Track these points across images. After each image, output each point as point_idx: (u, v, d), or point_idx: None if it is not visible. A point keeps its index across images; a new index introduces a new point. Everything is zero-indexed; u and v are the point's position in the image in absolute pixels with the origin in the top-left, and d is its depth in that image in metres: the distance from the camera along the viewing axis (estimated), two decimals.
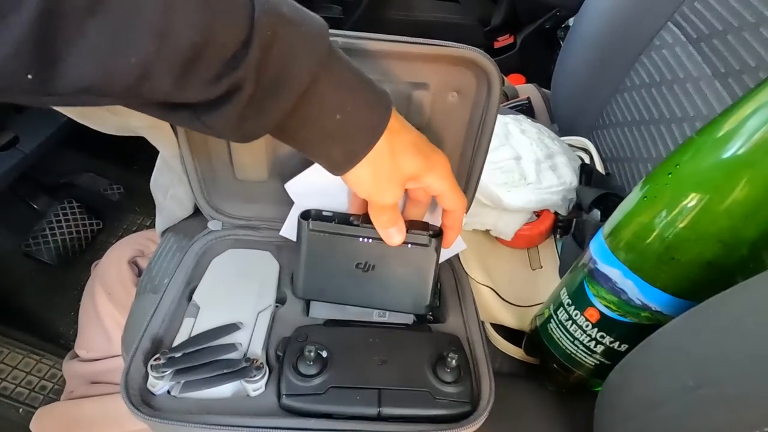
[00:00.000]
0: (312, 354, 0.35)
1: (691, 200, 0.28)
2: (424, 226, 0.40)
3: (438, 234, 0.40)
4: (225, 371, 0.34)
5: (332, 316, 0.42)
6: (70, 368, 0.76)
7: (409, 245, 0.40)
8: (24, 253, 0.87)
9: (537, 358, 0.44)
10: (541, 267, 0.51)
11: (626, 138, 0.55)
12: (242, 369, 0.34)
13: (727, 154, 0.27)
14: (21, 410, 0.76)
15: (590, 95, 0.61)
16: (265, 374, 0.35)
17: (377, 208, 0.34)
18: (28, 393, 0.78)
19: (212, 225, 0.47)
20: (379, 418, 0.34)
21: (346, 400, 0.34)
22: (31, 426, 0.72)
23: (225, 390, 0.34)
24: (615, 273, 0.32)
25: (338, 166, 0.30)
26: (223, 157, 0.43)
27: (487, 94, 0.39)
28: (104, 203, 0.99)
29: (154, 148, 0.48)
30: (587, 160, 0.59)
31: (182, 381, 0.33)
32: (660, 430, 0.26)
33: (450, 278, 0.47)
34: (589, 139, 0.62)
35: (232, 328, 0.37)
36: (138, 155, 1.00)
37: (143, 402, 0.33)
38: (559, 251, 0.51)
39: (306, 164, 0.44)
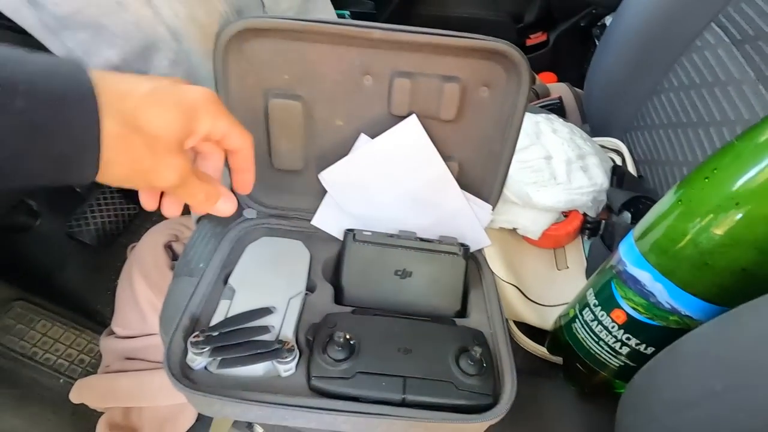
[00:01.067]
0: (341, 340, 0.36)
1: (728, 206, 0.28)
2: (454, 239, 0.45)
3: (467, 246, 0.45)
4: (259, 351, 0.35)
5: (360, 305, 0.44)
6: (107, 344, 0.80)
7: (442, 254, 0.45)
8: (67, 234, 0.92)
9: (560, 358, 0.44)
10: (568, 267, 0.51)
11: (661, 141, 0.54)
12: (275, 350, 0.36)
13: (767, 161, 0.27)
14: (62, 380, 0.81)
15: (625, 96, 0.60)
16: (295, 357, 0.36)
17: (173, 193, 0.27)
18: (68, 365, 0.83)
19: (247, 213, 0.49)
20: (404, 404, 0.35)
21: (373, 385, 0.35)
22: (71, 395, 0.76)
23: (258, 369, 0.36)
24: (645, 276, 0.33)
25: (78, 177, 0.23)
26: (262, 145, 0.45)
27: (517, 88, 0.39)
28: None
29: None
30: (619, 162, 0.59)
31: (219, 358, 0.35)
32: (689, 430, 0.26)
33: (475, 274, 0.48)
34: (622, 141, 0.61)
35: (266, 311, 0.39)
36: None
37: (183, 375, 0.35)
38: (587, 253, 0.51)
39: (340, 155, 0.46)
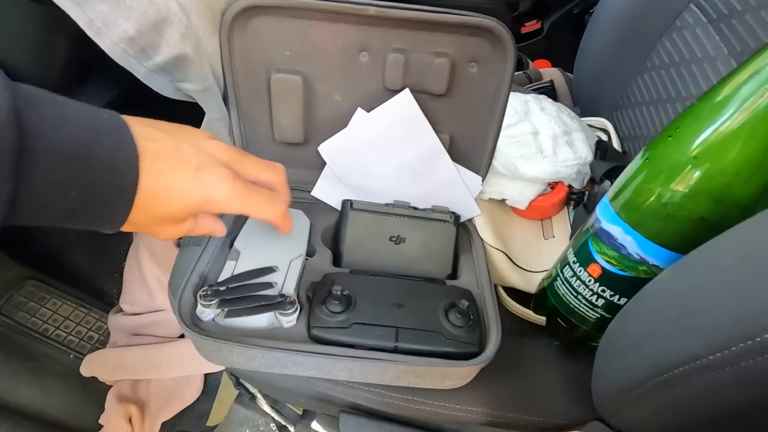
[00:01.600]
0: (339, 293, 0.39)
1: (688, 160, 0.30)
2: (445, 208, 0.49)
3: (457, 214, 0.49)
4: (263, 303, 0.38)
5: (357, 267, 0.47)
6: (115, 321, 0.83)
7: (434, 221, 0.48)
8: None
9: (543, 317, 0.47)
10: (554, 237, 0.54)
11: (644, 117, 0.57)
12: (278, 303, 0.39)
13: (722, 119, 0.29)
14: (72, 356, 0.84)
15: (612, 75, 0.63)
16: (296, 309, 0.39)
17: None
18: (77, 341, 0.87)
19: None
20: (396, 350, 0.38)
21: (367, 334, 0.38)
22: (81, 369, 0.80)
23: (262, 320, 0.39)
24: (616, 230, 0.35)
25: (106, 227, 0.26)
26: (264, 119, 0.48)
27: (503, 63, 0.42)
28: None
29: (195, 122, 0.53)
30: (605, 139, 0.61)
31: (226, 309, 0.38)
32: (647, 362, 0.29)
33: (465, 241, 0.51)
34: (609, 120, 0.64)
35: (269, 270, 0.42)
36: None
37: (194, 324, 0.38)
38: (572, 222, 0.54)
39: (338, 129, 0.48)
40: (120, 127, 0.25)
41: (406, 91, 0.46)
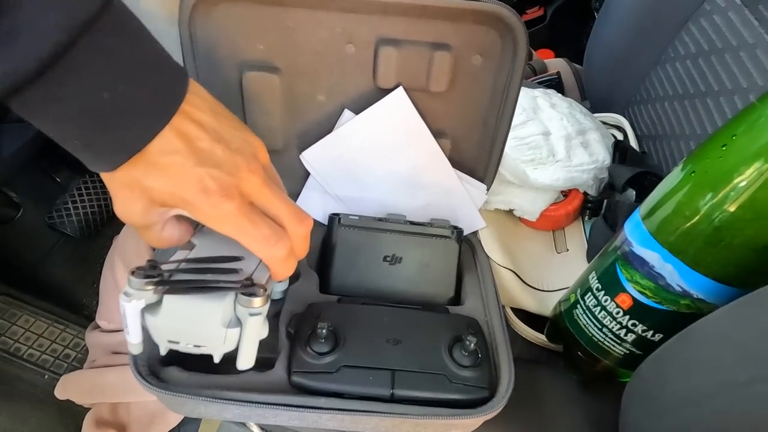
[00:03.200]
0: (324, 331, 0.33)
1: (750, 174, 0.25)
2: (446, 222, 0.42)
3: (460, 229, 0.42)
4: (219, 284, 0.27)
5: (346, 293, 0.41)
6: (93, 338, 0.77)
7: (433, 237, 0.41)
8: (48, 225, 0.89)
9: (560, 345, 0.42)
10: (567, 250, 0.49)
11: (666, 114, 0.51)
12: (243, 285, 0.27)
13: None
14: (46, 376, 0.78)
15: (627, 68, 0.57)
16: (267, 302, 0.27)
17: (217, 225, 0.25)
18: (53, 360, 0.81)
19: None
20: (393, 399, 0.32)
21: (359, 379, 0.33)
22: (56, 392, 0.74)
23: (214, 309, 0.26)
24: (653, 256, 0.30)
25: (103, 159, 0.23)
26: None
27: (513, 55, 0.36)
28: None
29: None
30: (621, 138, 0.55)
31: (166, 287, 0.26)
32: (703, 428, 0.23)
33: (469, 259, 0.45)
34: (625, 117, 0.58)
35: (233, 258, 0.29)
36: None
37: (150, 373, 0.32)
38: (587, 234, 0.48)
39: (323, 133, 0.42)
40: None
41: (400, 89, 0.40)
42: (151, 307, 0.26)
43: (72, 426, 0.73)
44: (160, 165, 0.23)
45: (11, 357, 0.77)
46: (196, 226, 0.31)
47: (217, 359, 0.28)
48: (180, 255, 0.30)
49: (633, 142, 0.55)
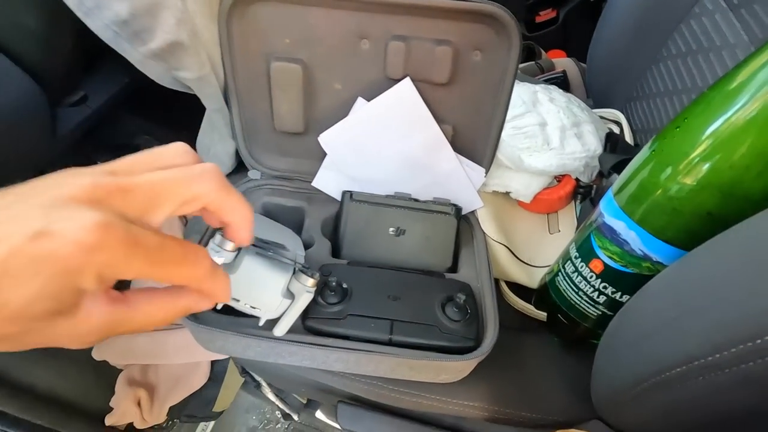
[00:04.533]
0: (334, 285, 0.39)
1: (696, 152, 0.29)
2: (447, 200, 0.47)
3: (459, 207, 0.47)
4: (287, 259, 0.32)
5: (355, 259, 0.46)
6: None
7: (435, 213, 0.47)
8: None
9: (545, 312, 0.46)
10: (559, 231, 0.53)
11: (658, 109, 0.55)
12: (302, 266, 0.33)
13: (734, 109, 0.28)
14: None
15: (626, 65, 0.60)
16: (315, 285, 0.33)
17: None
18: None
19: (252, 174, 0.52)
20: (390, 343, 0.38)
21: (362, 326, 0.38)
22: (93, 353, 0.82)
23: (278, 280, 0.31)
24: (620, 225, 0.34)
25: None
26: (264, 108, 0.47)
27: (507, 50, 0.41)
28: None
29: (201, 117, 0.53)
30: (618, 132, 0.59)
31: (250, 246, 0.30)
32: (646, 361, 0.28)
33: (467, 235, 0.50)
34: (623, 112, 0.62)
35: (281, 246, 0.35)
36: (187, 122, 1.08)
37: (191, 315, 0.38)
38: (578, 216, 0.52)
39: (339, 119, 0.48)
40: None
41: (407, 79, 0.45)
42: (227, 266, 0.31)
43: (107, 384, 0.80)
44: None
45: None
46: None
47: (261, 323, 0.34)
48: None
49: (628, 136, 0.58)
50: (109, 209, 0.17)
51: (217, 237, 0.31)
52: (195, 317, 0.38)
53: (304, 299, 0.33)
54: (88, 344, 0.19)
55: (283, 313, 0.34)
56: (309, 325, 0.38)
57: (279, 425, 0.95)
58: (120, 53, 0.37)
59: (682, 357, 0.25)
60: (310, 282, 0.33)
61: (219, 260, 0.30)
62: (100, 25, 0.35)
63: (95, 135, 0.91)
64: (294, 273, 0.33)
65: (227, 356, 0.82)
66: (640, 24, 0.58)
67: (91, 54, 0.64)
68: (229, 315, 0.38)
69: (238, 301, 0.33)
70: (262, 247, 0.33)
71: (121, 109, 0.91)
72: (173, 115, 1.05)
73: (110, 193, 0.17)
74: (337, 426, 0.90)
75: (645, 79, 0.58)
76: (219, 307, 0.33)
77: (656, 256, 0.33)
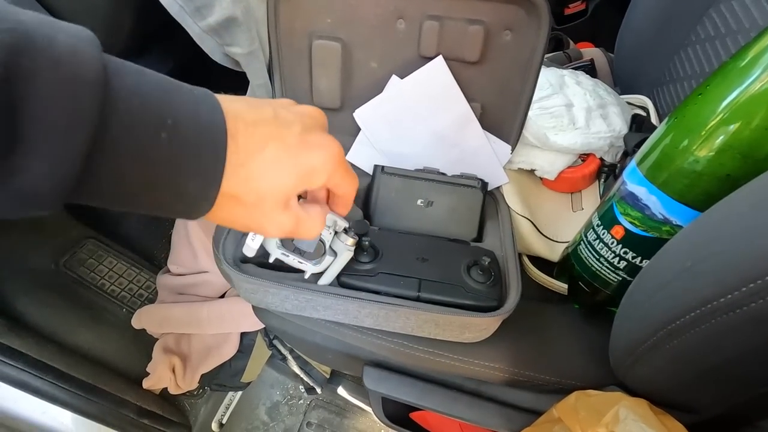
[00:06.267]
0: (367, 244, 0.42)
1: (717, 116, 0.31)
2: (474, 175, 0.50)
3: (485, 182, 0.49)
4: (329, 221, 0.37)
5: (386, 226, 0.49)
6: (162, 280, 0.91)
7: (461, 186, 0.49)
8: None
9: (565, 283, 0.48)
10: (582, 209, 0.54)
11: (685, 92, 0.56)
12: (344, 229, 0.38)
13: (754, 75, 0.29)
14: (124, 309, 0.92)
15: (654, 51, 0.61)
16: (354, 244, 0.38)
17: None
18: (129, 297, 0.95)
19: None
20: (418, 299, 0.40)
21: (392, 283, 0.41)
22: (132, 321, 0.87)
23: (327, 237, 0.37)
24: (641, 191, 0.36)
25: (195, 207, 0.22)
26: (305, 84, 0.51)
27: (537, 30, 0.43)
28: None
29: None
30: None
31: None
32: (661, 310, 0.30)
33: (492, 209, 0.52)
34: (650, 98, 0.63)
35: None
36: None
37: (235, 264, 0.42)
38: (601, 195, 0.54)
39: (374, 96, 0.51)
40: (206, 94, 0.22)
41: (440, 57, 0.47)
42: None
43: (144, 351, 0.86)
44: (257, 157, 0.22)
45: (98, 290, 0.91)
46: None
47: (306, 276, 0.40)
48: None
49: (654, 120, 0.59)
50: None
51: None
52: (240, 269, 0.42)
53: (345, 256, 0.39)
54: (280, 234, 0.26)
55: (327, 268, 0.38)
56: (343, 280, 0.41)
57: (301, 401, 0.98)
58: (181, 27, 0.41)
59: (695, 302, 0.27)
60: (350, 241, 0.38)
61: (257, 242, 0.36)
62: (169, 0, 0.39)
63: None
64: (336, 233, 0.38)
65: (257, 329, 0.86)
66: (669, 9, 0.59)
67: (144, 36, 0.69)
68: (275, 271, 0.42)
69: (287, 256, 0.37)
70: None
71: None
72: None
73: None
74: (357, 403, 0.93)
75: (673, 64, 0.59)
76: (271, 260, 0.38)
77: (676, 219, 0.34)
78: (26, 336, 0.73)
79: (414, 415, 0.59)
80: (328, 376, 0.92)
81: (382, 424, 0.57)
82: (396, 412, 0.57)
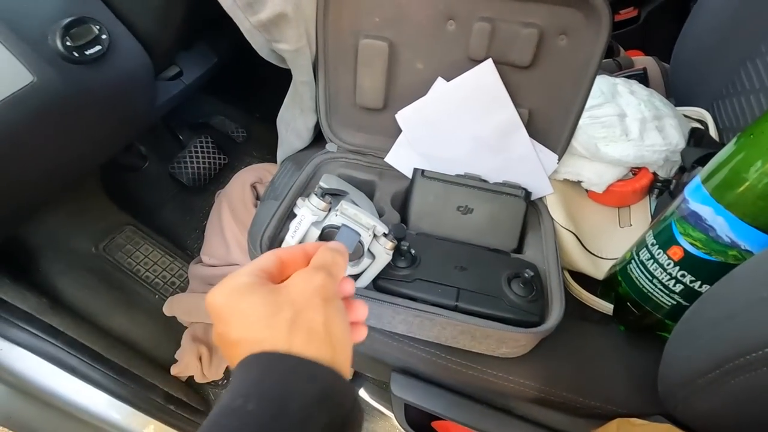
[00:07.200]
0: (405, 249, 0.41)
1: None
2: (517, 184, 0.48)
3: (529, 191, 0.48)
4: (368, 225, 0.38)
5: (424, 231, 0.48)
6: (194, 270, 0.92)
7: (503, 195, 0.48)
8: (169, 174, 1.06)
9: (610, 303, 0.45)
10: (631, 225, 0.52)
11: (751, 106, 0.52)
12: (383, 233, 0.38)
13: None
14: (156, 296, 0.94)
15: (716, 62, 0.58)
16: (392, 248, 0.39)
17: None
18: (162, 285, 0.97)
19: (330, 147, 0.55)
20: (456, 309, 0.39)
21: (430, 290, 0.40)
22: (164, 309, 0.89)
23: (366, 238, 0.37)
24: (706, 210, 0.33)
25: None
26: (348, 83, 0.50)
27: (596, 35, 0.41)
28: (230, 143, 1.16)
29: (274, 101, 0.57)
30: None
31: (342, 202, 0.37)
32: (728, 342, 0.27)
33: (535, 220, 0.50)
34: (708, 111, 0.59)
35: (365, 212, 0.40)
36: (260, 107, 1.15)
37: None
38: (653, 212, 0.51)
39: (417, 98, 0.50)
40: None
41: (489, 61, 0.46)
42: (318, 223, 0.38)
43: (173, 338, 0.88)
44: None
45: (133, 275, 0.94)
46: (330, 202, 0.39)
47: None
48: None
49: (714, 134, 0.56)
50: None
51: (314, 198, 0.37)
52: None
53: (383, 259, 0.39)
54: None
55: (364, 270, 0.38)
56: (380, 284, 0.40)
57: None
58: (228, 23, 0.41)
59: None
60: (390, 245, 0.38)
61: (313, 218, 0.37)
62: None
63: (177, 111, 1.00)
64: (374, 237, 0.38)
65: None
66: (737, 17, 0.55)
67: (193, 33, 0.70)
68: None
69: None
70: (349, 215, 0.38)
71: (200, 90, 0.99)
72: (248, 100, 1.13)
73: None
74: (378, 406, 0.92)
75: (738, 76, 0.55)
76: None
77: (745, 243, 0.32)
78: (65, 315, 0.76)
79: (436, 424, 0.58)
80: (350, 378, 0.91)
81: (402, 429, 0.56)
82: (418, 420, 0.56)
